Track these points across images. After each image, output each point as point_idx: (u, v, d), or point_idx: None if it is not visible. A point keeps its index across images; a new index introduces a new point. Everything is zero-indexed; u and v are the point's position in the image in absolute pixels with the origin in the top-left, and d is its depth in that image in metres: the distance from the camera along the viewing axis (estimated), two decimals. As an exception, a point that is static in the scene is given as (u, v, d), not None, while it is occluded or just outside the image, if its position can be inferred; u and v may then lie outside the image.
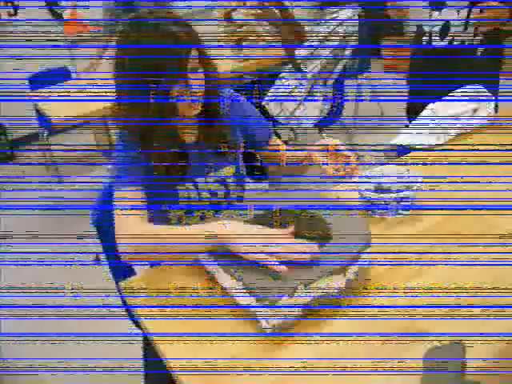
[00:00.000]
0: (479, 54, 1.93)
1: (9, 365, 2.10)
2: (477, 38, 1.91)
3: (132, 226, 1.08)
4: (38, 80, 3.61)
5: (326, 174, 1.25)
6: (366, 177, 1.28)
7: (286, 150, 1.47)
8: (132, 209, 1.12)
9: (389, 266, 1.04)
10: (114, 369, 1.94)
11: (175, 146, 1.23)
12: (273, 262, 0.90)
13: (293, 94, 2.82)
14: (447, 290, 0.96)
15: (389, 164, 1.34)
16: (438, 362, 0.74)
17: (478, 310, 0.89)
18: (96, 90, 2.82)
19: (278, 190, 1.24)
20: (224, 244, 0.98)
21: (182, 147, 1.26)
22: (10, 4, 4.35)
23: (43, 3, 4.50)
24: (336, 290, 0.93)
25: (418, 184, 1.20)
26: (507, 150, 1.43)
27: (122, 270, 1.32)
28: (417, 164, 1.40)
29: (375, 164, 1.31)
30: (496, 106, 1.74)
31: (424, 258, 1.05)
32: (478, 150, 1.44)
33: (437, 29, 1.96)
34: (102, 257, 1.41)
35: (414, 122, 1.63)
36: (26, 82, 3.67)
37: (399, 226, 1.17)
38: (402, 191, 1.22)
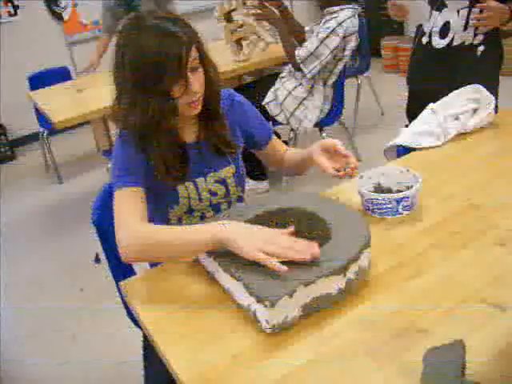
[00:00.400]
0: (479, 54, 1.93)
1: (8, 365, 2.10)
2: (477, 38, 1.91)
3: (132, 225, 1.08)
4: (38, 80, 3.61)
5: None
6: (367, 177, 1.28)
7: (286, 150, 1.47)
8: (132, 209, 1.12)
9: (389, 266, 1.04)
10: (114, 369, 1.94)
11: (175, 146, 1.23)
12: (273, 262, 0.90)
13: (293, 94, 2.82)
14: (447, 290, 0.96)
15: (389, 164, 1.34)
16: (437, 361, 0.74)
17: (478, 310, 0.89)
18: (96, 90, 2.82)
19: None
20: (224, 244, 0.98)
21: (182, 147, 1.26)
22: (10, 4, 4.35)
23: (43, 3, 4.50)
24: (336, 290, 0.93)
25: (418, 184, 1.20)
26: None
27: (121, 270, 1.32)
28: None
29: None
30: (496, 106, 1.74)
31: (424, 258, 1.05)
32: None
33: (437, 29, 1.96)
34: (102, 256, 1.41)
35: (413, 121, 1.63)
36: (26, 82, 3.67)
37: (399, 226, 1.17)
38: (402, 191, 1.22)
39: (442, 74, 2.00)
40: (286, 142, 2.91)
